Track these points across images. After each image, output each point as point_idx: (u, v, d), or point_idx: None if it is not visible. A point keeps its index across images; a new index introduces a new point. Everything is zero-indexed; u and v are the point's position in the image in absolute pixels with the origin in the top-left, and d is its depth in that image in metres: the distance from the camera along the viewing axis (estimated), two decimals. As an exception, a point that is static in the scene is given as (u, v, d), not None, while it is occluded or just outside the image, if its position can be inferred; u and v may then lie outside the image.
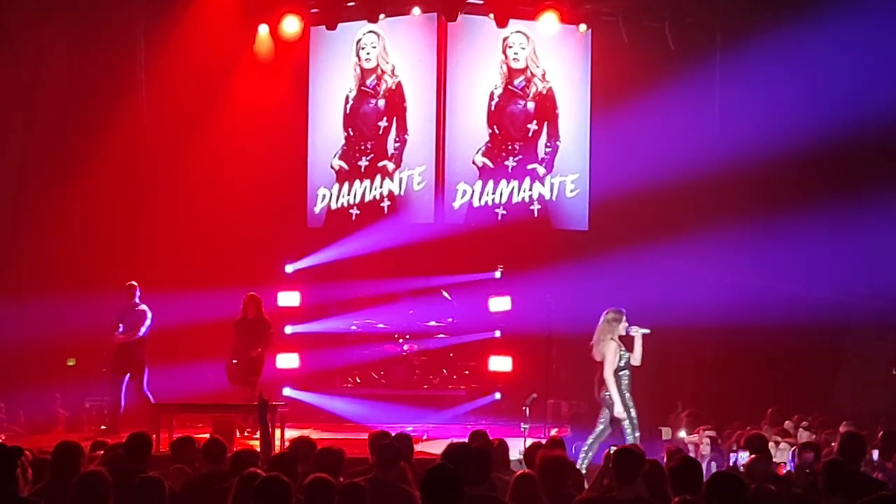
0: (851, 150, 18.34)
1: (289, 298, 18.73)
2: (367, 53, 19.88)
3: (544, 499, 7.82)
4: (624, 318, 13.22)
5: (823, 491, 7.79)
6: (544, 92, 19.79)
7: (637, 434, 12.91)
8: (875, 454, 11.95)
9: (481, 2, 19.41)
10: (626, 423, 12.95)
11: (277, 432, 13.90)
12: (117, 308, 16.23)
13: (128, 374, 15.92)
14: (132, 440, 9.16)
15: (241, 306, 16.43)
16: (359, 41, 19.90)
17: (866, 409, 16.40)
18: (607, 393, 12.99)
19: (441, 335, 19.33)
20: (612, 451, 8.32)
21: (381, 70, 19.89)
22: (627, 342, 13.25)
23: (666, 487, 7.69)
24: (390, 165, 19.81)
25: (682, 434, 15.95)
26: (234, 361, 16.17)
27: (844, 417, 14.27)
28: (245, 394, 15.72)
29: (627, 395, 13.05)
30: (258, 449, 10.51)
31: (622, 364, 13.09)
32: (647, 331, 13.34)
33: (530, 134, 19.79)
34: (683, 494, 6.88)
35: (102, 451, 9.81)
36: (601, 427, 13.00)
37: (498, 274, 18.87)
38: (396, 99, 19.88)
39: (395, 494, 8.12)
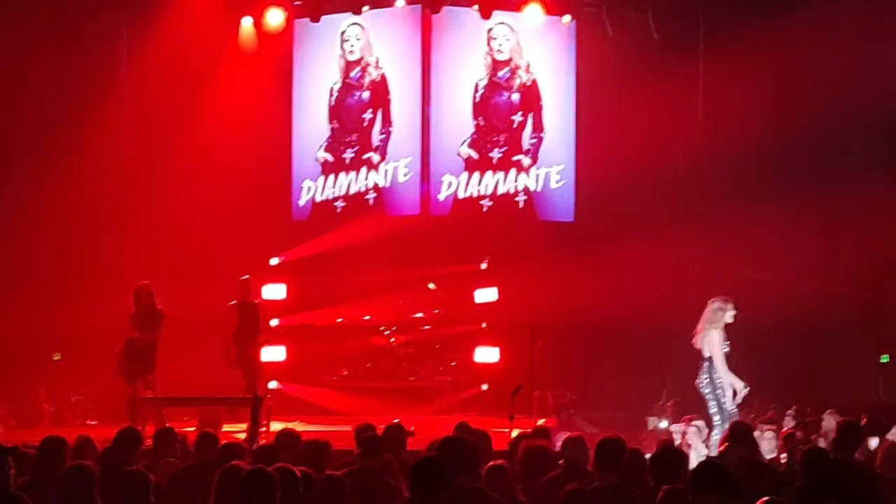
0: (834, 141, 18.43)
1: (275, 291, 18.74)
2: (352, 45, 19.87)
3: (516, 488, 7.87)
4: (730, 306, 13.10)
5: (802, 478, 7.76)
6: (529, 83, 19.79)
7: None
8: (874, 442, 11.99)
9: (465, -7, 19.45)
10: (715, 411, 12.89)
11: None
12: (233, 312, 16.01)
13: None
14: (121, 434, 9.17)
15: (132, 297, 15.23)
16: (343, 33, 19.89)
17: (849, 399, 16.45)
18: (700, 383, 12.90)
19: (427, 327, 19.35)
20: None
21: (366, 62, 19.88)
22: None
23: (645, 476, 7.73)
24: (375, 157, 19.81)
25: (665, 424, 16.01)
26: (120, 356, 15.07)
27: (827, 406, 14.30)
28: (129, 390, 14.90)
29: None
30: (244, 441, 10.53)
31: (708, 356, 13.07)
32: None
33: (515, 125, 19.80)
34: (664, 483, 6.90)
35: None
36: (716, 421, 12.90)
37: (484, 265, 18.89)
38: (381, 91, 19.87)
39: (377, 486, 8.13)
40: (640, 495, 7.67)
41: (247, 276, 16.48)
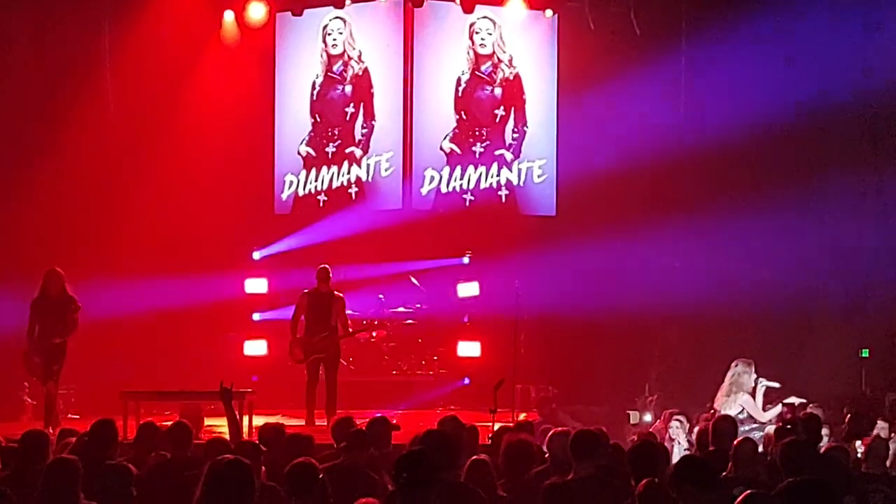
0: (815, 134, 18.48)
1: (256, 285, 18.71)
2: (334, 39, 19.83)
3: (497, 483, 7.87)
4: (752, 369, 13.31)
5: (783, 473, 7.75)
6: (511, 77, 19.79)
7: None
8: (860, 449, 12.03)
9: (448, -13, 19.42)
10: None
11: (245, 419, 13.85)
12: (303, 302, 15.80)
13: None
14: (97, 428, 9.12)
15: (40, 283, 14.46)
16: (325, 27, 19.85)
17: (832, 392, 16.52)
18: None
19: (409, 321, 19.32)
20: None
21: (348, 56, 19.85)
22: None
23: (626, 468, 7.74)
24: (358, 151, 19.79)
25: (648, 418, 16.05)
26: (36, 354, 14.30)
27: (811, 400, 14.36)
28: (48, 386, 14.26)
29: None
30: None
31: (742, 416, 13.16)
32: (776, 385, 13.42)
33: (497, 119, 19.80)
34: (642, 476, 6.92)
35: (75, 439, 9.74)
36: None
37: (466, 260, 18.91)
38: (363, 85, 19.84)
39: (362, 480, 8.10)
40: (617, 485, 7.68)
41: (325, 266, 15.77)
